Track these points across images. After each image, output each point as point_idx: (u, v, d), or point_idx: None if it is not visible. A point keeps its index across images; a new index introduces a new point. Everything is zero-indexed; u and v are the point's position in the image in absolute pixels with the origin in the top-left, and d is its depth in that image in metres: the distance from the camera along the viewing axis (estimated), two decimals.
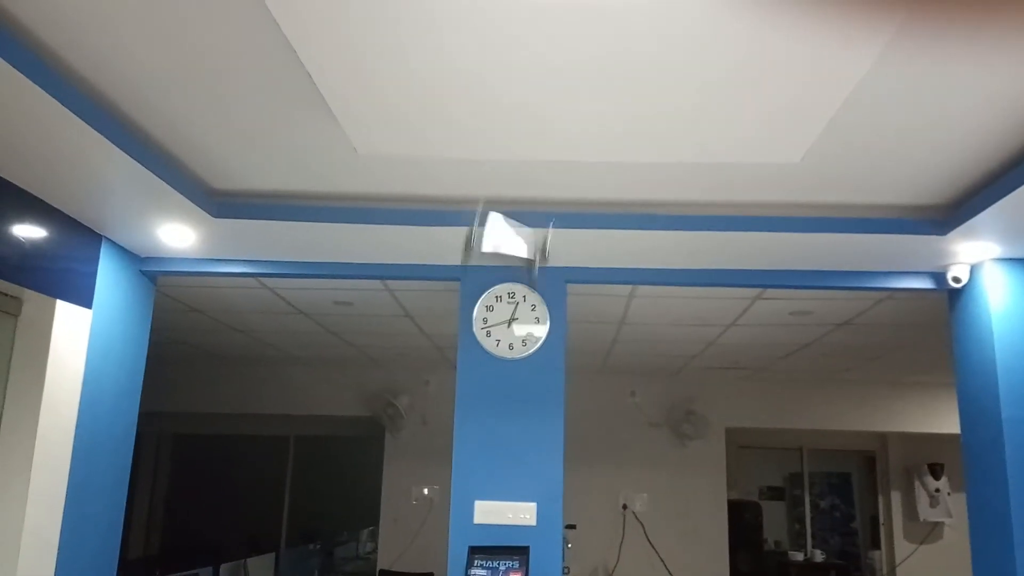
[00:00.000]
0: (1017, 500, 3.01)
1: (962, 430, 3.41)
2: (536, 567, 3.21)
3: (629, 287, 3.95)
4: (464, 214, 3.08)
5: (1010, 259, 3.21)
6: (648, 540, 6.38)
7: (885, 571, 7.73)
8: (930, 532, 7.56)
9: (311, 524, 7.75)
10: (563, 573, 5.33)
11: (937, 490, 7.48)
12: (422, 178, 2.86)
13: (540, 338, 3.48)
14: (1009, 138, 2.39)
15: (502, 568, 3.09)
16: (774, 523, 8.13)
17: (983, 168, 2.61)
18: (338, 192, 3.03)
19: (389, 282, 3.96)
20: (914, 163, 2.59)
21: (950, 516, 7.40)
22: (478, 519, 3.29)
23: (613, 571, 6.10)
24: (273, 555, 6.62)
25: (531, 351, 3.47)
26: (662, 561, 6.13)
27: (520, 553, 3.14)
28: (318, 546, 7.59)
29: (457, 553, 3.22)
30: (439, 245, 3.31)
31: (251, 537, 7.49)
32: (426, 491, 6.00)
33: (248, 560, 6.03)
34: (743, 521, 7.36)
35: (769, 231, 3.04)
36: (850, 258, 3.31)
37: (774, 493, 8.29)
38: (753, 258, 3.34)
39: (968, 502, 3.36)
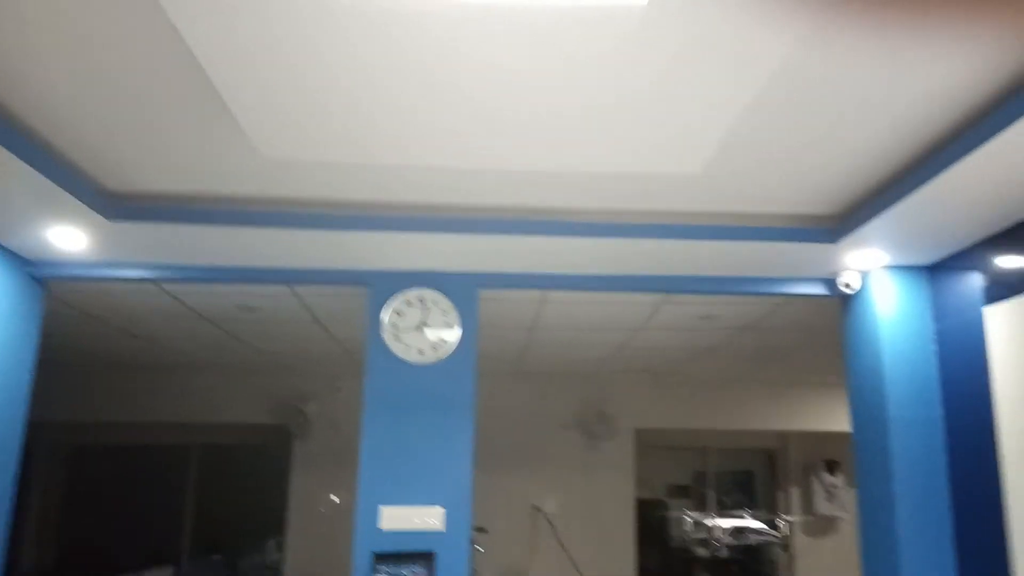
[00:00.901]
0: (901, 493, 3.18)
1: (852, 429, 3.58)
2: (443, 572, 3.20)
3: (540, 292, 3.99)
4: (373, 219, 3.05)
5: (898, 267, 3.39)
6: (559, 541, 6.44)
7: (784, 563, 8.05)
8: (826, 526, 7.91)
9: (215, 535, 7.49)
10: None
11: (833, 486, 7.83)
12: (328, 181, 2.80)
13: (451, 343, 3.47)
14: (895, 152, 2.53)
15: (406, 574, 3.06)
16: (682, 521, 8.35)
17: (872, 180, 2.75)
18: (241, 195, 2.95)
19: (296, 287, 3.87)
20: (807, 175, 2.71)
21: (844, 510, 7.76)
22: (384, 525, 3.25)
23: (525, 575, 6.13)
24: (173, 567, 6.37)
25: (442, 356, 3.45)
26: (572, 561, 6.21)
27: (425, 559, 3.12)
28: (222, 557, 7.35)
29: (362, 560, 3.18)
30: (346, 249, 3.26)
31: (150, 549, 7.19)
32: (336, 499, 5.89)
33: (145, 572, 5.78)
34: (650, 518, 7.52)
35: (674, 239, 3.12)
36: (750, 265, 3.43)
37: (680, 491, 8.51)
38: (659, 264, 3.42)
39: (858, 496, 3.53)
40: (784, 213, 3.08)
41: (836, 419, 6.86)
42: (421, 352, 3.44)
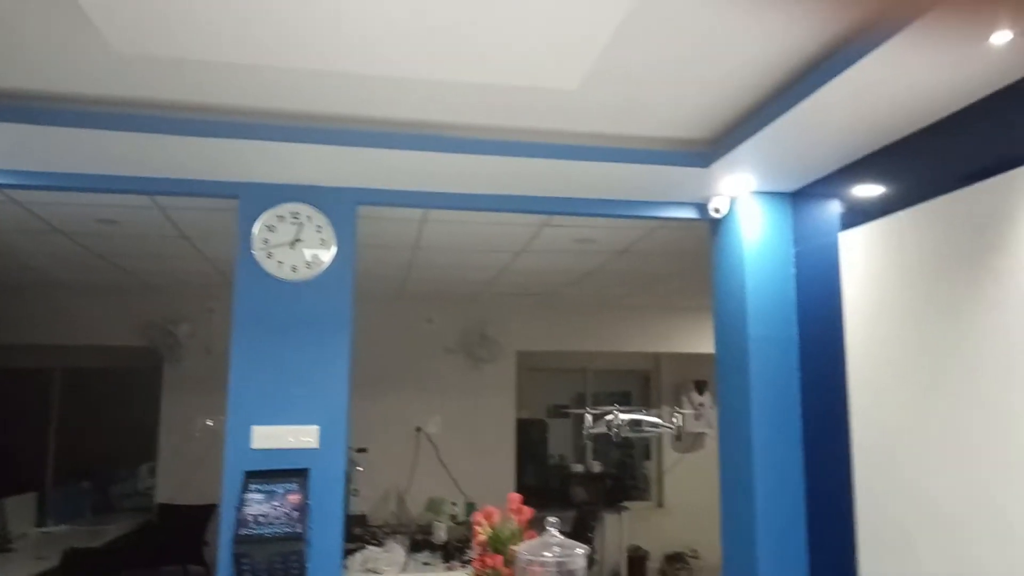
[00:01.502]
0: (757, 406, 3.39)
1: (716, 347, 3.77)
2: (318, 489, 3.19)
3: (421, 211, 3.94)
4: (241, 126, 2.89)
5: (764, 193, 3.54)
6: (440, 460, 6.57)
7: (654, 477, 8.55)
8: (693, 442, 8.41)
9: (82, 461, 7.21)
10: (352, 495, 5.39)
11: (701, 404, 8.31)
12: (192, 84, 2.62)
13: (327, 261, 3.38)
14: (766, 76, 2.59)
15: (280, 491, 3.04)
16: (559, 439, 8.68)
17: (743, 105, 2.83)
18: (95, 95, 2.72)
19: (159, 198, 3.66)
20: (681, 97, 2.76)
21: (710, 427, 8.27)
22: (256, 444, 3.20)
23: (406, 492, 6.24)
24: (35, 494, 6.10)
25: (316, 274, 3.37)
26: (453, 480, 6.36)
27: (299, 476, 3.10)
28: (92, 484, 7.09)
29: (232, 479, 3.13)
30: (212, 158, 3.08)
31: (12, 476, 6.85)
32: (209, 423, 5.76)
33: (5, 500, 5.51)
34: (530, 438, 7.78)
35: (553, 158, 3.12)
36: (626, 188, 3.49)
37: (560, 411, 8.82)
38: (539, 186, 3.43)
39: (719, 411, 3.76)
40: (660, 136, 3.13)
41: (704, 342, 7.18)
42: (295, 269, 3.35)
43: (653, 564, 7.97)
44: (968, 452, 2.52)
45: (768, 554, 3.28)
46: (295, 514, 3.01)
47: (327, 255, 3.38)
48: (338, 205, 3.43)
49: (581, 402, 8.81)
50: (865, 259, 3.15)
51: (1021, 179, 2.36)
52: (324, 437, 3.28)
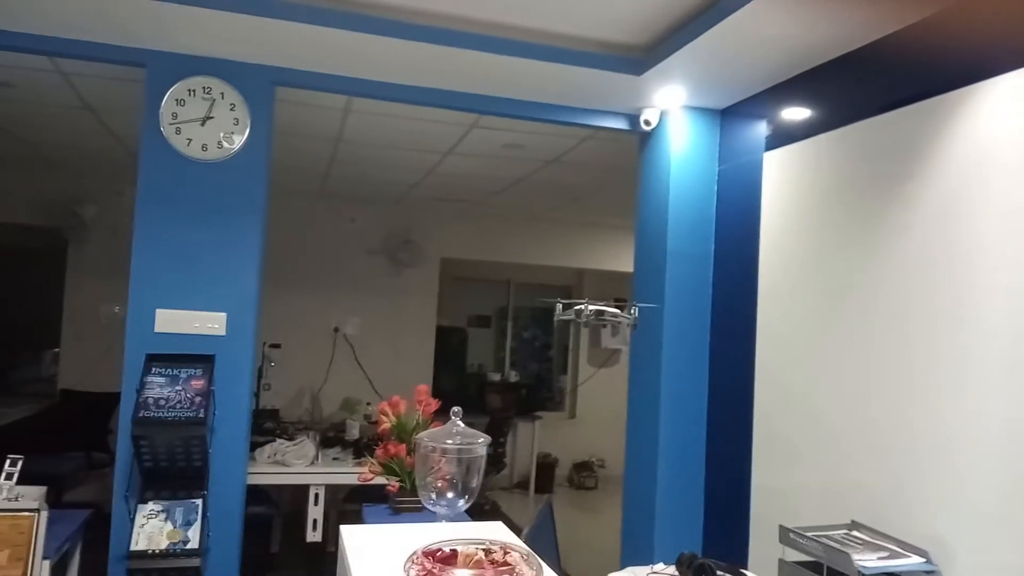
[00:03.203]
0: (669, 320, 3.46)
1: (635, 260, 3.81)
2: (224, 377, 3.13)
3: (345, 99, 3.77)
4: None
5: (694, 108, 3.51)
6: (357, 361, 6.55)
7: (568, 389, 8.77)
8: (609, 357, 8.62)
9: None
10: (264, 389, 5.34)
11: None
12: None
13: (239, 142, 3.22)
14: None
15: (183, 376, 2.97)
16: (479, 349, 8.77)
17: (678, 12, 2.76)
18: None
19: (60, 62, 3.39)
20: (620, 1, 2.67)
21: (625, 343, 8.47)
22: (160, 328, 3.10)
23: (319, 390, 6.21)
24: None
25: (228, 155, 3.21)
26: (369, 381, 6.36)
27: (203, 362, 3.02)
28: None
29: (134, 362, 3.03)
30: (117, 20, 2.85)
31: None
32: (117, 309, 5.55)
33: None
34: (449, 345, 7.82)
35: (483, 51, 3.00)
36: (557, 91, 3.41)
37: (482, 322, 8.88)
38: (468, 80, 3.32)
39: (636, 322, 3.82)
40: (595, 38, 3.05)
41: (626, 260, 7.27)
42: (205, 148, 3.18)
43: (562, 471, 8.25)
44: (853, 369, 2.63)
45: (668, 464, 3.40)
46: (198, 399, 2.95)
47: (240, 136, 3.22)
48: (254, 83, 3.25)
49: (503, 314, 8.88)
50: (785, 180, 3.19)
51: (934, 109, 2.40)
52: (231, 325, 3.20)
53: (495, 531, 1.70)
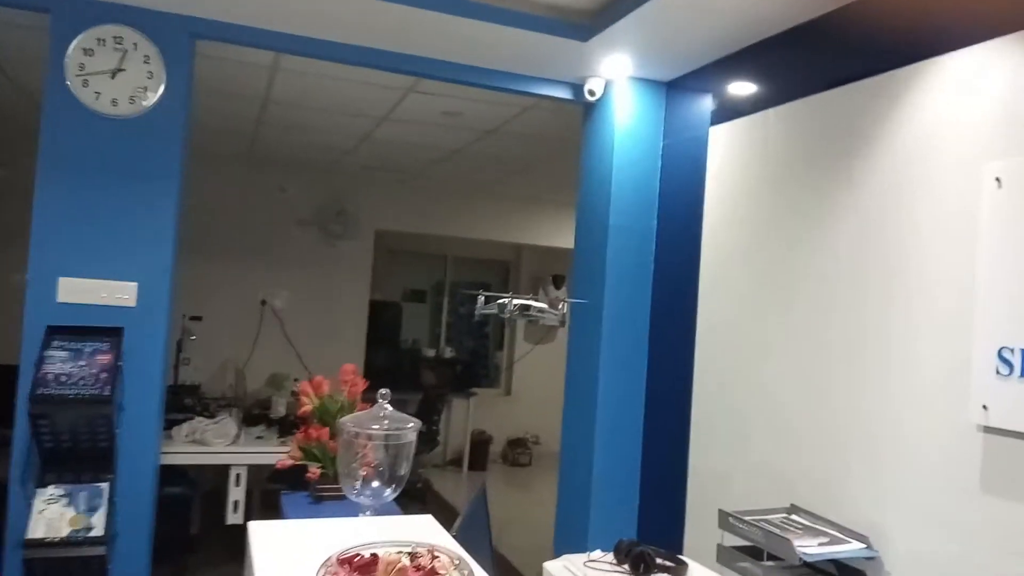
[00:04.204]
0: (610, 296, 3.36)
1: (576, 236, 3.69)
2: (134, 351, 2.90)
3: (272, 56, 3.53)
4: None
5: (640, 79, 3.40)
6: (286, 336, 6.31)
7: (504, 366, 8.68)
8: (546, 334, 8.53)
9: None
10: (183, 364, 5.07)
11: (557, 298, 8.39)
12: None
13: (154, 98, 2.97)
14: None
15: (87, 350, 2.73)
16: (415, 324, 8.58)
17: None
18: None
19: None
20: None
21: (563, 321, 8.41)
22: (63, 297, 2.85)
23: (245, 365, 5.95)
24: None
25: (141, 111, 2.96)
26: (298, 356, 6.13)
27: (111, 335, 2.79)
28: None
29: (33, 334, 2.77)
30: None
31: None
32: (18, 277, 5.18)
33: None
34: (383, 321, 7.62)
35: (419, 7, 2.81)
36: (500, 56, 3.25)
37: (417, 296, 8.69)
38: (404, 39, 3.12)
39: (572, 297, 3.71)
40: (541, 1, 2.90)
41: (565, 236, 7.17)
42: (115, 103, 2.91)
43: (496, 448, 8.17)
44: (795, 350, 2.58)
45: (605, 446, 3.32)
46: (103, 376, 2.72)
47: (155, 92, 2.97)
48: (171, 35, 2.99)
49: (440, 289, 8.71)
50: (731, 155, 3.11)
51: (882, 87, 2.34)
52: (143, 296, 2.96)
53: (423, 527, 1.57)
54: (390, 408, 1.75)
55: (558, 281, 8.41)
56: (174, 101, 3.02)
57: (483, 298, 2.60)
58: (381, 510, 1.76)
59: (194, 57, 3.10)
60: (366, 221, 6.82)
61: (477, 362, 8.78)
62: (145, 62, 2.94)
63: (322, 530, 1.47)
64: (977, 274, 1.90)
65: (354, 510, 1.77)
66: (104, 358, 2.76)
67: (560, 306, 2.69)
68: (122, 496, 2.89)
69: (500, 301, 2.56)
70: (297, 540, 1.38)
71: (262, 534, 1.39)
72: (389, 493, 1.72)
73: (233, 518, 4.20)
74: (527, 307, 2.61)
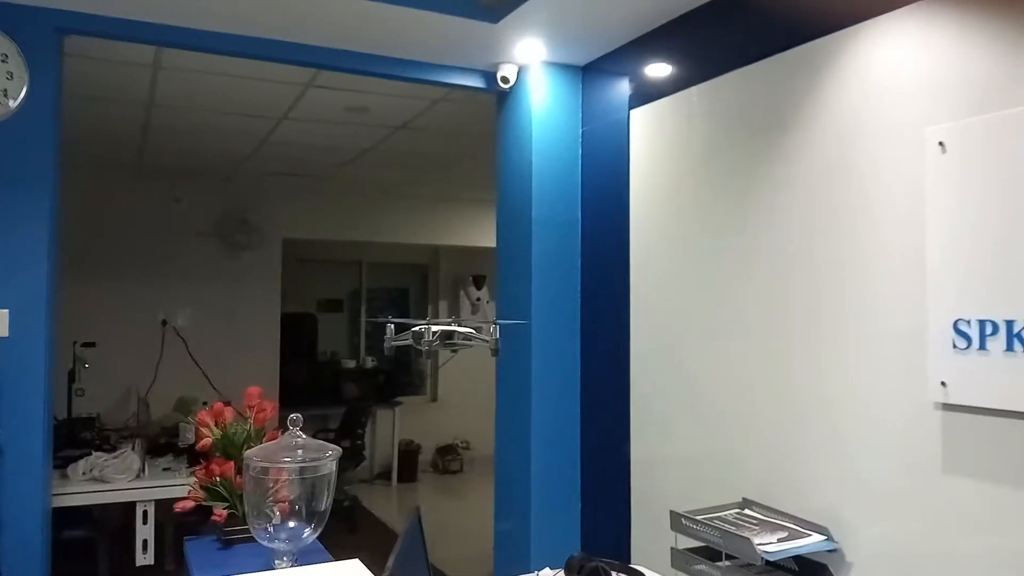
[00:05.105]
0: (537, 293, 3.19)
1: (498, 233, 3.51)
2: (8, 385, 2.56)
3: (152, 52, 3.21)
4: None
5: (554, 64, 3.24)
6: (191, 356, 5.89)
7: (429, 372, 8.43)
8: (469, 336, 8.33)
9: None
10: (77, 395, 4.64)
11: (478, 299, 8.22)
12: None
13: (15, 100, 2.63)
14: None
15: None
16: (332, 335, 8.24)
17: None
18: None
19: None
20: None
21: (485, 322, 8.23)
22: None
23: (148, 392, 5.52)
24: None
25: (2, 116, 2.61)
26: (207, 378, 5.72)
27: None
28: None
29: None
30: None
31: None
32: None
33: None
34: (298, 333, 7.27)
35: None
36: (405, 42, 3.03)
37: (333, 306, 8.34)
38: (300, 28, 2.87)
39: (498, 298, 3.53)
40: None
41: (483, 235, 7.00)
42: None
43: (425, 456, 7.92)
44: (735, 337, 2.46)
45: (542, 448, 3.15)
46: None
47: (16, 95, 2.63)
48: (33, 29, 2.66)
49: (356, 297, 8.39)
50: (653, 137, 2.98)
51: (809, 56, 2.24)
52: (16, 324, 2.62)
53: (350, 574, 1.35)
54: (303, 436, 1.52)
55: (478, 281, 8.23)
56: (41, 105, 2.68)
57: (392, 327, 2.01)
58: (301, 553, 1.53)
59: (62, 55, 2.77)
60: (272, 230, 6.46)
61: (400, 370, 8.49)
62: (3, 61, 2.60)
63: None
64: (927, 244, 1.81)
65: (268, 557, 1.54)
66: None
67: (492, 329, 2.14)
68: (7, 549, 2.56)
69: (415, 329, 1.98)
70: None
71: None
72: (309, 533, 1.50)
73: (143, 559, 3.85)
74: (450, 335, 2.01)
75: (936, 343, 1.78)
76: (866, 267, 2.02)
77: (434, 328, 1.89)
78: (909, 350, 1.87)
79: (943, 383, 1.77)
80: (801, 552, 2.01)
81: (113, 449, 4.10)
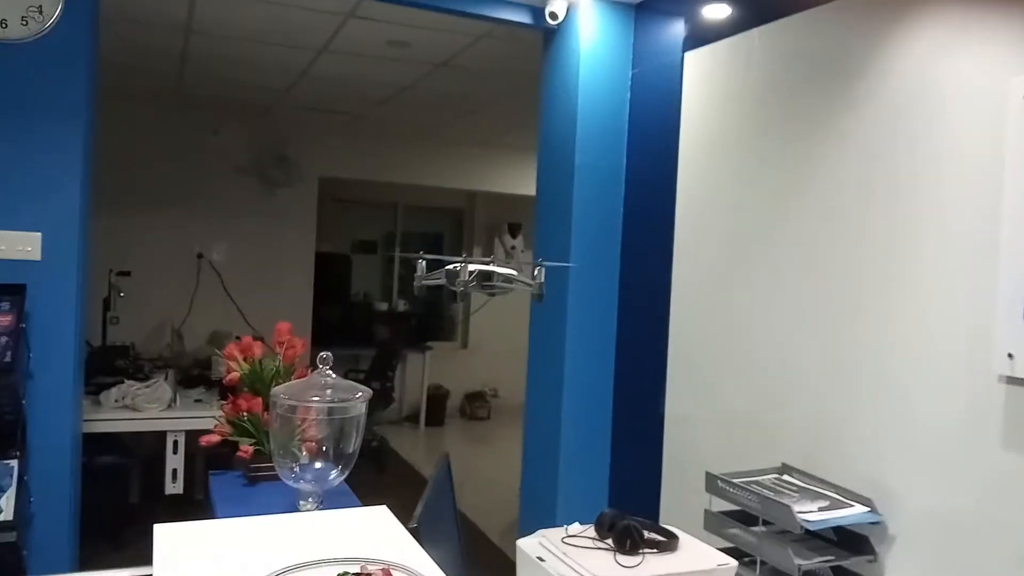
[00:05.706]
0: (578, 238, 3.10)
1: (538, 178, 3.40)
2: (40, 311, 2.54)
3: None
4: None
5: (605, 0, 3.08)
6: (226, 291, 5.90)
7: (461, 319, 8.40)
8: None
9: None
10: (111, 323, 4.67)
11: (513, 247, 8.12)
12: None
13: (50, 18, 2.55)
14: None
15: None
16: (365, 277, 8.22)
17: None
18: None
19: None
20: None
21: (520, 270, 8.14)
22: None
23: (182, 324, 5.56)
24: None
25: (36, 34, 2.54)
26: (240, 313, 5.74)
27: (10, 293, 2.42)
28: None
29: None
30: None
31: None
32: None
33: None
34: (331, 274, 7.25)
35: None
36: None
37: (367, 247, 8.31)
38: None
39: (536, 245, 3.44)
40: None
41: (521, 183, 6.87)
42: (4, 24, 2.49)
43: (453, 402, 7.94)
44: (785, 293, 2.35)
45: (574, 400, 3.09)
46: (4, 341, 2.36)
47: (52, 11, 2.55)
48: None
49: (391, 240, 8.34)
50: (709, 83, 2.83)
51: None
52: (49, 248, 2.59)
53: (376, 521, 1.29)
54: (332, 376, 1.46)
55: (514, 230, 8.13)
56: (76, 25, 2.60)
57: (423, 263, 1.84)
58: (328, 495, 1.48)
59: None
60: (309, 167, 6.39)
61: (432, 315, 8.47)
62: None
63: (247, 535, 1.18)
64: (1004, 205, 1.67)
65: (292, 497, 1.49)
66: (3, 320, 2.40)
67: (536, 272, 1.92)
68: (36, 474, 2.56)
69: (450, 267, 1.80)
70: (213, 552, 1.09)
71: (168, 544, 1.09)
72: (336, 475, 1.45)
73: (172, 488, 3.89)
74: (488, 276, 1.77)
75: (1005, 313, 1.66)
76: (934, 226, 1.88)
77: (471, 267, 1.73)
78: (976, 318, 1.75)
79: (1010, 355, 1.65)
80: (843, 523, 1.92)
81: (146, 378, 4.12)
